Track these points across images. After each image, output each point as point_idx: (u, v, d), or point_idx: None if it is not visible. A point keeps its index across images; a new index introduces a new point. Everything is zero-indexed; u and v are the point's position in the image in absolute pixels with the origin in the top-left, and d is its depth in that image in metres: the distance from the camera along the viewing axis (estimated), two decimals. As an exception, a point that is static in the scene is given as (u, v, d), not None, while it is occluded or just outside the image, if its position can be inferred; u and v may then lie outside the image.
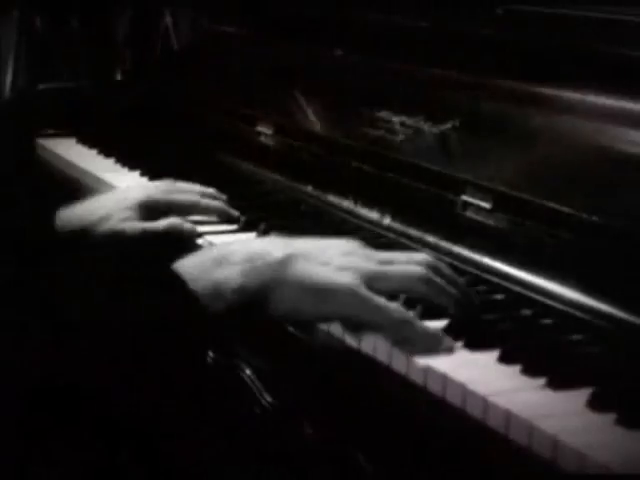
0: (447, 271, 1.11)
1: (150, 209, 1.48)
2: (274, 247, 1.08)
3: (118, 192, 1.58)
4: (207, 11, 2.40)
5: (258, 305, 1.04)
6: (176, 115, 2.13)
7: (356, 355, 1.11)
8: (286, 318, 1.09)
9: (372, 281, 1.06)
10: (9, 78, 2.42)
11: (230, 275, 1.04)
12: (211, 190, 1.57)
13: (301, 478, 1.24)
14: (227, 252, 1.07)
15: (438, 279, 1.08)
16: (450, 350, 1.05)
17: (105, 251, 1.36)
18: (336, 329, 1.15)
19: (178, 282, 1.02)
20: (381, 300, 1.04)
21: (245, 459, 1.27)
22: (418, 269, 1.08)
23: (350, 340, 1.12)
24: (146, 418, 1.08)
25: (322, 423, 1.19)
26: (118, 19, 2.53)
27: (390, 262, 1.09)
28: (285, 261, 1.05)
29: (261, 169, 1.77)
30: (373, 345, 1.09)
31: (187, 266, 1.05)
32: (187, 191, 1.55)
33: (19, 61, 2.44)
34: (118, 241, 1.42)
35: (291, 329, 1.18)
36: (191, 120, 2.08)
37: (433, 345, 1.04)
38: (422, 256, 1.12)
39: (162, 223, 1.46)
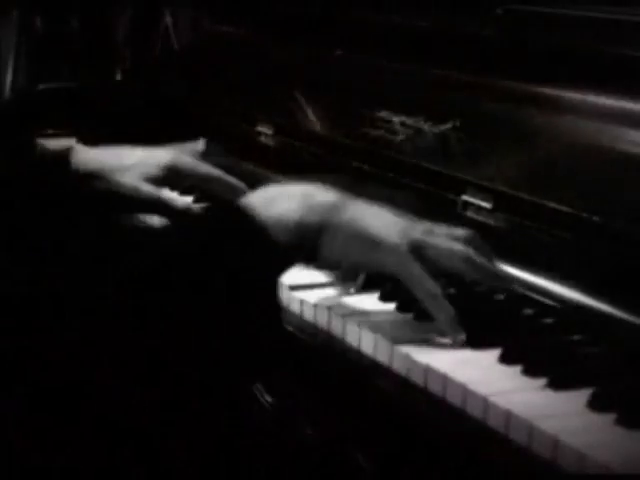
0: (486, 249, 1.14)
1: (173, 172, 1.49)
2: (328, 190, 1.13)
3: (146, 150, 1.56)
4: (207, 11, 2.40)
5: (314, 243, 1.09)
6: (176, 115, 2.13)
7: (356, 355, 1.11)
8: (335, 261, 1.13)
9: (416, 248, 1.10)
10: (9, 78, 2.42)
11: (290, 208, 1.09)
12: None
13: (301, 478, 1.23)
14: (285, 189, 1.13)
15: (478, 259, 1.11)
16: (461, 342, 1.08)
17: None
18: (337, 328, 1.15)
19: (247, 215, 1.07)
20: (420, 271, 1.09)
21: (245, 459, 1.27)
22: (461, 248, 1.11)
23: (351, 340, 1.13)
24: (146, 418, 1.08)
25: (322, 423, 1.19)
26: (118, 19, 2.53)
27: (432, 233, 1.12)
28: (340, 204, 1.11)
29: (261, 169, 1.76)
30: (373, 345, 1.09)
31: (251, 201, 1.10)
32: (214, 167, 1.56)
33: (19, 61, 2.44)
34: (129, 195, 1.44)
35: (290, 329, 1.18)
36: (191, 120, 2.08)
37: (449, 328, 1.08)
38: (463, 232, 1.14)
39: (182, 202, 1.49)
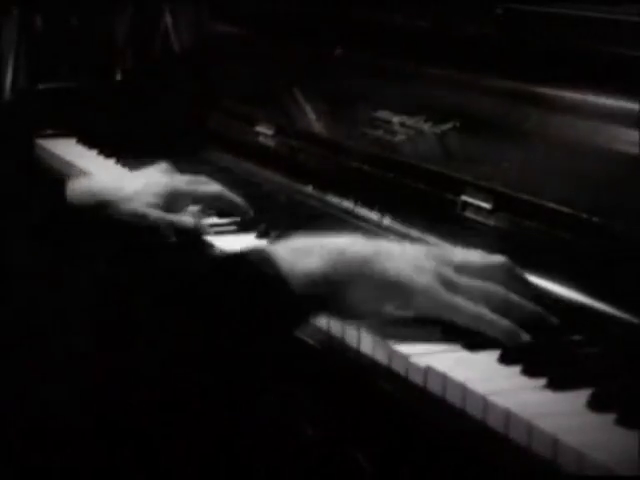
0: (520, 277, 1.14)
1: (174, 198, 1.50)
2: (361, 244, 1.11)
3: (145, 176, 1.57)
4: (207, 10, 2.40)
5: (341, 297, 1.08)
6: (176, 115, 2.13)
7: (356, 355, 1.11)
8: (364, 312, 1.11)
9: (449, 288, 1.09)
10: (9, 78, 2.42)
11: (319, 264, 1.07)
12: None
13: (301, 478, 1.24)
14: (318, 243, 1.10)
15: (512, 297, 1.10)
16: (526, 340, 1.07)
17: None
18: (336, 328, 1.15)
19: (270, 263, 1.06)
20: (458, 300, 1.08)
21: (245, 459, 1.27)
22: (494, 288, 1.10)
23: (350, 340, 1.13)
24: (146, 418, 1.08)
25: (322, 423, 1.19)
26: (118, 18, 2.53)
27: (466, 267, 1.11)
28: (372, 258, 1.08)
29: (261, 169, 1.77)
30: (372, 345, 1.09)
31: (279, 250, 1.08)
32: (211, 183, 1.56)
33: (19, 61, 2.44)
34: (135, 224, 1.44)
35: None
36: (191, 120, 2.08)
37: (509, 339, 1.07)
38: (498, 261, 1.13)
39: (190, 220, 1.49)
